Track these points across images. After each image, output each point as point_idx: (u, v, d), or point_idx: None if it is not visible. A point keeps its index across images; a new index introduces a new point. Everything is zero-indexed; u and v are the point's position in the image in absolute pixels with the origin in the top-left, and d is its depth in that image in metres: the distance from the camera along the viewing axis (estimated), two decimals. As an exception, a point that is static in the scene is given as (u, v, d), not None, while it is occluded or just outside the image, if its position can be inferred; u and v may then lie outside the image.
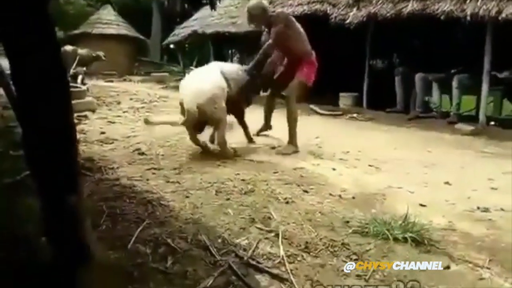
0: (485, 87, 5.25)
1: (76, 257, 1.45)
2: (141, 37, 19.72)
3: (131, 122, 5.91)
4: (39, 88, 1.19)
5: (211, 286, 1.59)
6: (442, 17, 5.04)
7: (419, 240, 2.00)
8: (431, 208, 2.59)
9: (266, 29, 4.68)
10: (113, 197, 2.56)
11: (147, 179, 3.03)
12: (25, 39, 1.10)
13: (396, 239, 2.01)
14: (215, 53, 11.92)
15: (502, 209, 2.58)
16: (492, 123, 5.36)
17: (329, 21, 6.61)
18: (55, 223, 1.36)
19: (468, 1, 4.81)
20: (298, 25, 4.22)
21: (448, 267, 1.81)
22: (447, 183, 3.11)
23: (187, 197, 2.66)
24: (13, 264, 1.50)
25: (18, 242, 1.65)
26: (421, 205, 2.62)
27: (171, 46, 15.19)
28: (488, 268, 1.84)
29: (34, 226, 1.68)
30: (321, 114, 6.84)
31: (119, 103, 8.01)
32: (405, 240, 2.01)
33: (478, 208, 2.61)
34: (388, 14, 5.73)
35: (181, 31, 12.32)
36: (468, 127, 5.19)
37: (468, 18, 4.79)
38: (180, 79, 16.26)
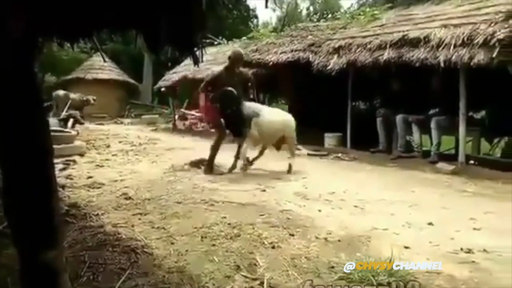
0: (462, 128, 5.47)
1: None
2: (132, 81, 20.18)
3: (119, 165, 5.92)
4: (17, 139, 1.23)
5: None
6: (417, 64, 5.34)
7: (404, 285, 2.00)
8: (415, 249, 2.61)
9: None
10: (95, 246, 2.53)
11: (132, 225, 3.00)
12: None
13: (380, 285, 2.01)
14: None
15: (485, 250, 2.61)
16: (472, 161, 5.52)
17: (312, 67, 6.92)
18: (31, 278, 1.35)
19: (440, 49, 5.13)
20: None
21: (431, 312, 1.82)
22: (430, 223, 3.15)
23: (172, 243, 2.64)
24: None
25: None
26: (405, 247, 2.64)
27: (162, 89, 15.52)
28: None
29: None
30: (307, 154, 6.95)
31: (108, 146, 8.04)
32: (389, 285, 2.01)
33: (462, 249, 2.63)
34: (366, 61, 6.05)
35: (172, 76, 12.68)
36: (449, 167, 5.33)
37: (442, 64, 5.09)
38: (169, 121, 16.31)
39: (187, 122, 15.00)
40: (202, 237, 2.75)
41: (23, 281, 1.36)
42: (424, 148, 6.43)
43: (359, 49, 6.20)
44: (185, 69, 11.92)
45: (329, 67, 6.56)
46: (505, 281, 2.15)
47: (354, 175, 5.31)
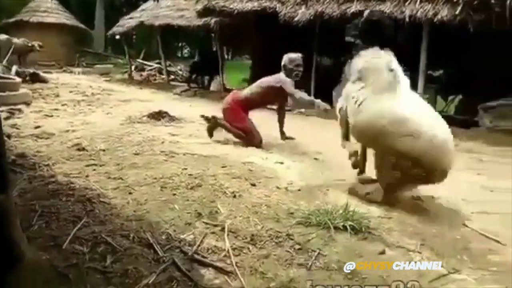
0: (420, 85, 5.64)
1: (4, 258, 1.34)
2: (83, 26, 18.60)
3: (70, 116, 5.56)
4: None
5: (153, 283, 1.55)
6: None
7: (358, 228, 2.10)
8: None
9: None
10: (47, 195, 2.39)
11: (87, 176, 2.87)
12: None
13: (336, 228, 2.09)
14: (163, 46, 11.57)
15: (433, 197, 2.79)
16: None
17: (278, 18, 6.70)
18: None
19: (407, 3, 5.13)
20: None
21: (383, 252, 1.93)
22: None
23: (130, 193, 2.56)
24: None
25: None
26: (361, 195, 2.76)
27: (117, 37, 14.47)
28: (419, 252, 1.98)
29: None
30: (270, 109, 6.92)
31: (57, 95, 7.50)
32: (345, 228, 2.10)
33: (413, 197, 2.80)
34: (333, 14, 5.94)
35: (127, 22, 11.79)
36: (405, 122, 5.55)
37: (407, 19, 5.11)
38: (125, 72, 15.57)
39: (144, 73, 14.31)
40: (161, 187, 2.68)
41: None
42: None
43: (327, 0, 6.05)
44: (142, 14, 11.11)
45: (296, 18, 6.37)
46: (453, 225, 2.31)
47: (316, 130, 5.40)
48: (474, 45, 5.55)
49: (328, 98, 6.84)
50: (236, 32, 9.03)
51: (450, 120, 5.45)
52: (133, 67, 14.34)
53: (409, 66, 5.66)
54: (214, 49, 11.03)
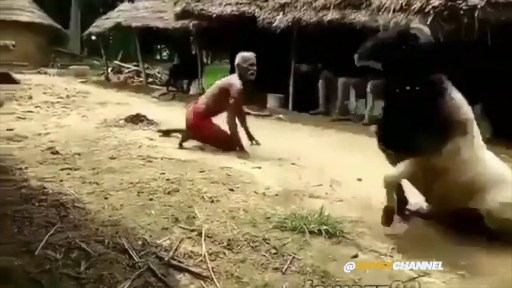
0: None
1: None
2: (58, 26, 18.12)
3: (44, 118, 5.42)
4: None
5: (128, 289, 1.55)
6: (357, 27, 5.49)
7: (332, 233, 2.16)
8: (345, 202, 2.82)
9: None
10: (19, 201, 2.33)
11: (61, 180, 2.81)
12: None
13: (311, 232, 2.14)
14: (141, 48, 11.44)
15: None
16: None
17: (257, 23, 6.77)
18: None
19: (380, 13, 5.31)
20: None
21: (356, 256, 1.99)
22: (359, 179, 3.39)
23: (105, 198, 2.53)
24: None
25: None
26: (337, 200, 2.83)
27: (93, 38, 14.19)
28: (391, 256, 2.06)
29: None
30: (249, 114, 6.96)
31: (30, 97, 7.28)
32: (320, 232, 2.15)
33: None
34: (311, 21, 6.06)
35: (104, 23, 11.59)
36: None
37: (380, 29, 5.29)
38: (102, 73, 15.28)
39: (121, 76, 14.07)
40: (138, 192, 2.66)
41: None
42: (359, 112, 6.80)
43: (304, 7, 6.18)
44: (119, 15, 10.95)
45: (274, 24, 6.47)
46: (424, 229, 2.41)
47: (294, 135, 5.48)
48: (444, 55, 5.79)
49: (305, 103, 6.99)
50: (214, 36, 9.04)
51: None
52: (110, 69, 14.08)
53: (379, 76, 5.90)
54: (194, 52, 11.00)
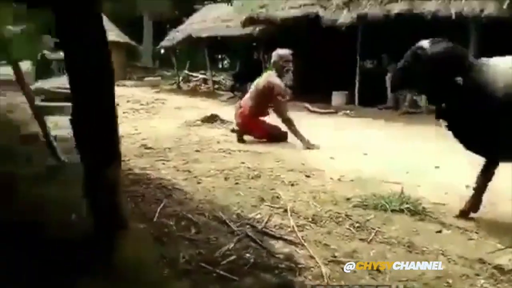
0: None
1: (113, 223, 1.64)
2: (133, 43, 19.86)
3: (132, 121, 6.09)
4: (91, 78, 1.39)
5: (232, 249, 1.79)
6: (428, 17, 5.34)
7: (414, 211, 2.22)
8: (424, 187, 2.82)
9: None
10: (129, 183, 2.74)
11: (158, 169, 3.22)
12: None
13: (393, 210, 2.23)
14: (210, 57, 12.15)
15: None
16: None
17: (321, 23, 6.89)
18: (98, 191, 1.55)
19: (452, 1, 5.12)
20: None
21: (440, 231, 2.04)
22: (437, 167, 3.35)
23: (198, 183, 2.86)
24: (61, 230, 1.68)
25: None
26: (415, 185, 2.85)
27: (162, 51, 15.38)
28: (476, 233, 2.07)
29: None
30: (315, 112, 7.09)
31: (117, 104, 8.14)
32: (401, 211, 2.23)
33: (467, 186, 2.83)
34: (376, 15, 6.02)
35: (176, 36, 12.52)
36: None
37: (453, 17, 5.10)
38: (173, 83, 16.23)
39: (191, 84, 15.03)
40: (225, 178, 2.96)
41: (89, 192, 1.56)
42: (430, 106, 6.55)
43: (369, 2, 6.16)
44: (190, 28, 11.76)
45: (338, 22, 6.53)
46: (507, 211, 2.36)
47: (363, 129, 5.48)
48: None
49: (371, 98, 6.90)
50: (279, 39, 9.30)
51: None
52: (180, 78, 15.10)
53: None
54: (256, 57, 11.43)
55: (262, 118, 4.50)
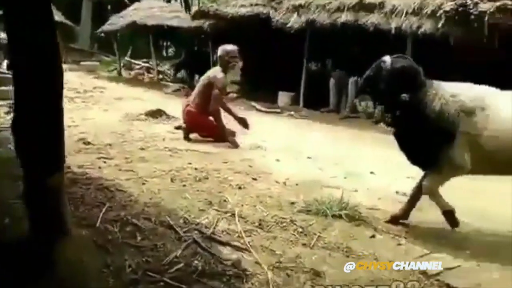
0: (403, 93, 6.04)
1: (55, 231, 1.55)
2: (69, 23, 18.42)
3: (68, 112, 5.65)
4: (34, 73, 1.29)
5: (180, 256, 1.79)
6: (371, 29, 5.71)
7: (352, 216, 2.39)
8: (360, 193, 3.04)
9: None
10: (67, 183, 2.57)
11: (99, 167, 3.07)
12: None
13: (333, 216, 2.38)
14: (154, 45, 11.72)
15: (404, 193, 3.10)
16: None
17: (271, 24, 7.01)
18: (39, 198, 1.46)
19: (393, 16, 5.51)
20: None
21: (373, 236, 2.22)
22: (372, 172, 3.62)
23: (143, 184, 2.78)
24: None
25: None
26: (352, 190, 3.06)
27: (102, 35, 14.49)
28: (405, 238, 2.29)
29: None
30: (262, 111, 7.21)
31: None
32: (340, 216, 2.39)
33: (397, 192, 3.11)
34: (324, 22, 6.29)
35: (119, 20, 11.86)
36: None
37: (393, 31, 5.50)
38: (113, 69, 15.46)
39: (132, 72, 14.37)
40: (171, 179, 2.91)
41: (29, 202, 1.46)
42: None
43: (318, 9, 6.39)
44: (135, 13, 11.22)
45: (288, 25, 6.70)
46: (432, 217, 2.63)
47: (307, 131, 5.70)
48: (455, 57, 6.00)
49: (315, 101, 7.20)
50: (229, 36, 9.28)
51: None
52: (121, 65, 14.36)
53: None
54: (203, 49, 11.37)
55: (209, 118, 4.47)
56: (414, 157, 2.47)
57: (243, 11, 7.41)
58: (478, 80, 2.43)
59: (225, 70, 4.41)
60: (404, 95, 2.26)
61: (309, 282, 1.71)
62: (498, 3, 4.80)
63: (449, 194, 2.42)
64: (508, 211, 2.46)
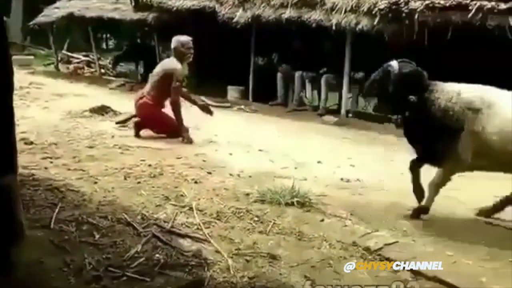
0: (345, 86, 6.42)
1: (10, 235, 1.52)
2: (-3, 13, 16.82)
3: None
4: None
5: (141, 251, 1.83)
6: (313, 25, 5.96)
7: (302, 203, 2.57)
8: (309, 181, 3.24)
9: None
10: (13, 186, 2.47)
11: (46, 168, 2.95)
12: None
13: (286, 204, 2.54)
14: (94, 38, 11.17)
15: (358, 180, 3.39)
16: (350, 115, 6.60)
17: (217, 18, 7.02)
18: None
19: (334, 13, 5.81)
20: None
21: (323, 220, 2.42)
22: (319, 162, 3.86)
23: (95, 182, 2.73)
24: None
25: None
26: (302, 179, 3.25)
27: (36, 27, 13.45)
28: (350, 219, 2.51)
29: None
30: (211, 106, 7.22)
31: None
32: (292, 204, 2.55)
33: (342, 179, 3.37)
34: (269, 18, 6.45)
35: (54, 12, 11.09)
36: (333, 119, 6.30)
37: (333, 27, 5.81)
38: (49, 64, 14.58)
39: (71, 66, 13.53)
40: (125, 176, 2.89)
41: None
42: (314, 103, 7.35)
43: (263, 5, 6.53)
44: (71, 5, 10.56)
45: (234, 20, 6.76)
46: (373, 199, 2.90)
47: (256, 125, 5.85)
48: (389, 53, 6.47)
49: (264, 95, 7.38)
50: (174, 29, 9.12)
51: (369, 117, 6.39)
52: (58, 59, 13.46)
53: (337, 69, 6.48)
54: (147, 42, 11.10)
55: (164, 111, 4.43)
56: (424, 154, 2.60)
57: (188, 4, 7.33)
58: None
59: (181, 61, 4.38)
60: (411, 96, 2.43)
61: (267, 265, 1.84)
62: (427, 1, 5.25)
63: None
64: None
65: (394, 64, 2.54)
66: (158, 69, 4.50)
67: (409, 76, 2.49)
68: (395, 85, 2.47)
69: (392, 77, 2.48)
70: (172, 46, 4.46)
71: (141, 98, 4.41)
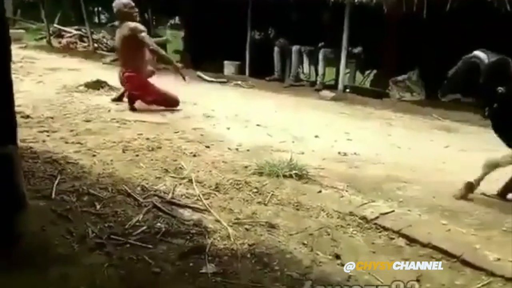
0: (343, 61, 6.35)
1: (12, 203, 1.54)
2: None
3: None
4: None
5: (142, 220, 1.86)
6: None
7: (300, 175, 2.60)
8: (306, 155, 3.27)
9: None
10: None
11: (43, 141, 2.95)
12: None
13: (284, 176, 2.57)
14: (82, 11, 10.90)
15: (355, 153, 3.42)
16: (348, 90, 6.57)
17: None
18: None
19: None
20: None
21: (320, 191, 2.46)
22: (316, 136, 3.87)
23: (93, 156, 2.74)
24: None
25: None
26: (300, 153, 3.28)
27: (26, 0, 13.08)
28: (347, 191, 2.55)
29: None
30: (208, 81, 7.16)
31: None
32: (290, 176, 2.58)
33: (339, 153, 3.40)
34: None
35: (44, -17, 10.74)
36: (330, 94, 6.26)
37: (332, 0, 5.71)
38: (41, 38, 14.28)
39: (63, 40, 13.22)
40: (123, 150, 2.90)
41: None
42: (311, 79, 7.29)
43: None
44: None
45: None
46: (370, 172, 2.94)
47: (254, 100, 5.82)
48: (387, 26, 6.39)
49: (261, 70, 7.31)
50: (171, 4, 8.91)
51: (366, 92, 6.37)
52: (50, 33, 13.14)
53: (334, 43, 6.39)
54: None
55: (151, 81, 4.41)
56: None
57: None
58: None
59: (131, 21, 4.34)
60: (500, 88, 2.35)
61: (265, 233, 1.88)
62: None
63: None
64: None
65: (481, 54, 2.40)
66: (117, 39, 4.50)
67: (500, 65, 2.36)
68: (485, 77, 2.34)
69: (482, 68, 2.35)
70: (115, 10, 4.43)
71: (123, 73, 4.41)
